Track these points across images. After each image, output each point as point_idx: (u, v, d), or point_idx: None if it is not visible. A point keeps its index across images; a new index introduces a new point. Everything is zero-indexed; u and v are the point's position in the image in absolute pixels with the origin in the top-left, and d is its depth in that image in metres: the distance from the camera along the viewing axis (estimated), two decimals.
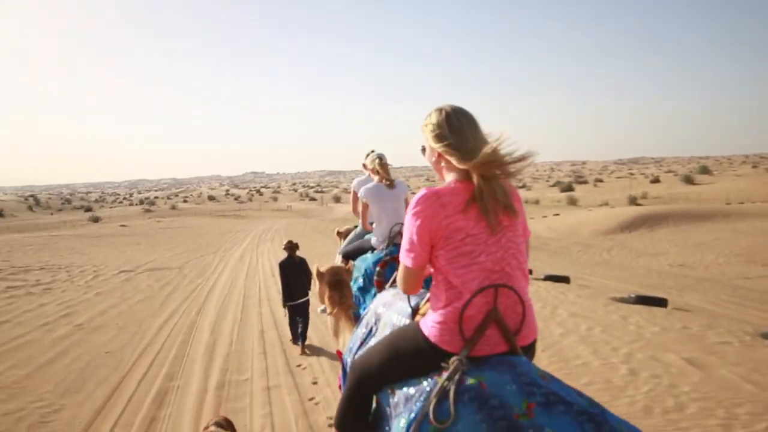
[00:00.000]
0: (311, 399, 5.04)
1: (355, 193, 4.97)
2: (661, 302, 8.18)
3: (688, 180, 74.35)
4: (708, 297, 12.53)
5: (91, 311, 9.10)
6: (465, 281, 1.75)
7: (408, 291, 1.96)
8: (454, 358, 1.70)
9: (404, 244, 1.87)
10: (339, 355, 2.75)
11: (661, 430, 3.88)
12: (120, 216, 59.94)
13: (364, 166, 4.86)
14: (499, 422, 1.55)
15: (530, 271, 13.12)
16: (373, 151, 4.69)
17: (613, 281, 14.26)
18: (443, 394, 1.65)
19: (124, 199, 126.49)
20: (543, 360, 5.26)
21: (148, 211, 72.51)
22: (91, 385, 5.72)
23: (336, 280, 3.31)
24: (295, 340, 6.93)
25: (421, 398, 1.73)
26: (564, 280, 10.85)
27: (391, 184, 4.17)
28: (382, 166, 4.26)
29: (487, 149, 1.76)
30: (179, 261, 16.85)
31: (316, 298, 3.91)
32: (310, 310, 6.86)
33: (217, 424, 3.19)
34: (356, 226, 5.26)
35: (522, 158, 1.78)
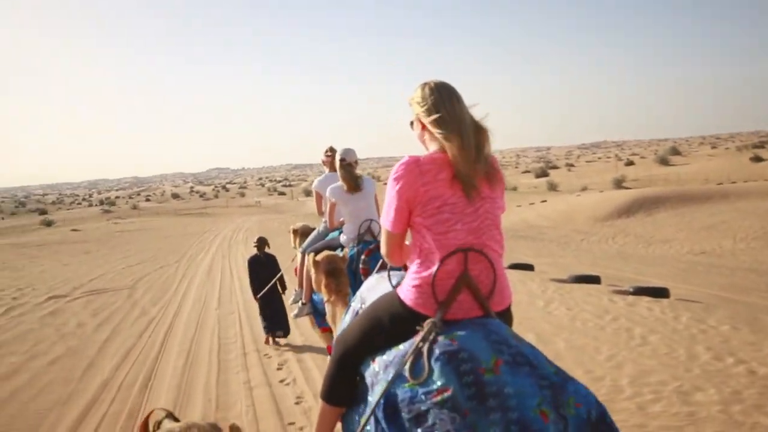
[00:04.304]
0: None
1: (318, 194, 5.00)
2: None
3: (664, 161, 73.62)
4: None
5: None
6: (439, 247, 1.80)
7: (388, 255, 2.01)
8: (428, 320, 1.76)
9: (384, 208, 1.92)
10: (329, 351, 2.72)
11: None
12: (76, 218, 55.14)
13: (324, 162, 5.18)
14: (465, 376, 1.60)
15: (599, 278, 10.39)
16: (332, 147, 5.02)
17: (667, 281, 11.51)
18: (418, 353, 1.70)
19: (83, 200, 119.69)
20: None
21: (107, 212, 67.59)
22: None
23: (332, 268, 3.30)
24: (267, 339, 6.63)
25: (397, 362, 1.75)
26: (661, 292, 7.91)
27: (354, 188, 4.11)
28: (342, 168, 4.14)
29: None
30: (131, 277, 13.35)
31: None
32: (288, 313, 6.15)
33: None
34: (317, 227, 5.24)
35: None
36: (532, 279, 9.59)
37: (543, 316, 6.67)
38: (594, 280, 9.40)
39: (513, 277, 9.99)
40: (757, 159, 57.72)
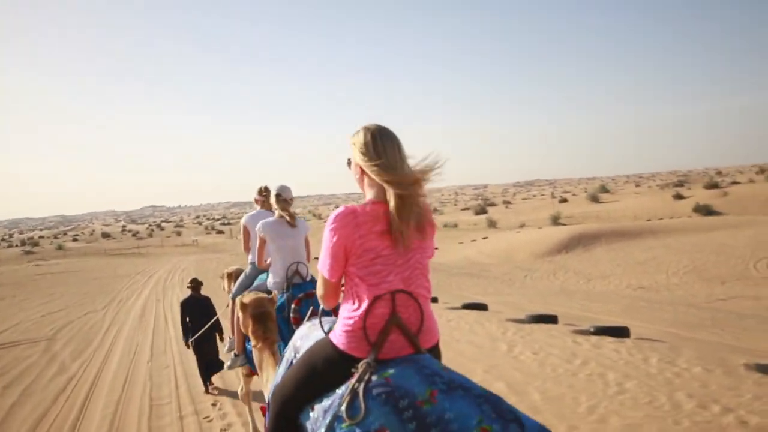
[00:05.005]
0: None
1: (246, 229, 4.88)
2: None
3: (594, 199, 76.90)
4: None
5: None
6: (370, 295, 1.86)
7: (325, 298, 2.05)
8: (362, 362, 1.80)
9: (321, 256, 1.95)
10: (263, 411, 2.54)
11: None
12: None
13: (256, 201, 5.00)
14: (404, 411, 1.64)
15: (556, 318, 10.17)
16: (266, 187, 4.88)
17: (616, 318, 11.52)
18: (354, 394, 1.73)
19: (2, 240, 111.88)
20: None
21: (29, 253, 63.13)
22: None
23: (260, 313, 3.20)
24: (207, 389, 6.40)
25: (335, 405, 1.77)
26: (622, 332, 7.72)
27: (292, 222, 4.06)
28: (279, 202, 4.09)
29: (416, 168, 1.90)
30: (51, 326, 12.08)
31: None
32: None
33: None
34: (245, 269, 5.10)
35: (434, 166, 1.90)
36: (488, 320, 9.25)
37: (509, 362, 6.27)
38: (551, 319, 9.16)
39: (469, 317, 9.62)
40: (679, 197, 61.39)
